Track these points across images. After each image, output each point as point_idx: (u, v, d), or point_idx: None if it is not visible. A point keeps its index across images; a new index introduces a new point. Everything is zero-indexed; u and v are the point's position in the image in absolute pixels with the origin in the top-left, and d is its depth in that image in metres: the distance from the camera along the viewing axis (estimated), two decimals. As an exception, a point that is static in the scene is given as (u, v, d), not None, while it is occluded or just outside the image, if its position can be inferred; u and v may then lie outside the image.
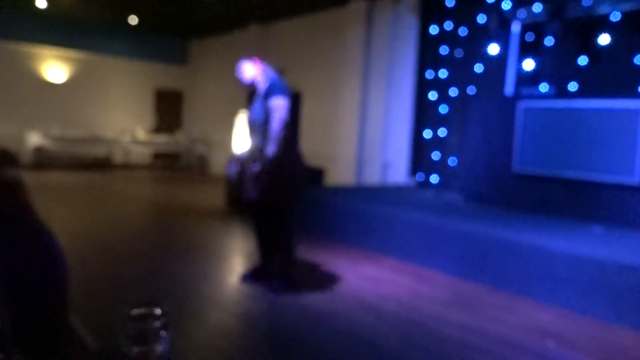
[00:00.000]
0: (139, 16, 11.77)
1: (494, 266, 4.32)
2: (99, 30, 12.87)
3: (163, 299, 3.14)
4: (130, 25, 12.53)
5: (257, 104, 3.84)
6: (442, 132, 7.64)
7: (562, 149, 5.34)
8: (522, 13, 6.32)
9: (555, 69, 6.26)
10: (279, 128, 3.64)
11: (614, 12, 5.68)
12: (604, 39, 5.80)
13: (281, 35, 11.24)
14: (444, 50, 7.61)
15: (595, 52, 5.92)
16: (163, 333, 0.69)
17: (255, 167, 3.71)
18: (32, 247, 0.89)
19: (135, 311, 0.69)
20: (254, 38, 11.65)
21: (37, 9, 10.83)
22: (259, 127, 3.78)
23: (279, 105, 3.67)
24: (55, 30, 12.30)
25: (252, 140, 3.89)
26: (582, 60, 6.01)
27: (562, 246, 3.95)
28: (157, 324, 0.69)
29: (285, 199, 3.87)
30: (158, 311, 0.71)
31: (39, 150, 11.35)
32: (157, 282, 4.09)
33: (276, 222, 3.91)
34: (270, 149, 3.65)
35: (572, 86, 6.04)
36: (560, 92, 5.84)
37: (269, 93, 3.73)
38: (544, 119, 5.51)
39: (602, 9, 5.71)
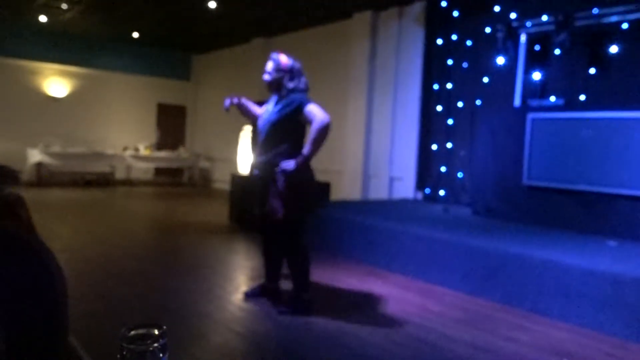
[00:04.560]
0: (141, 31, 11.81)
1: (504, 282, 4.20)
2: (101, 46, 12.90)
3: (165, 318, 3.04)
4: (132, 40, 12.57)
5: (274, 108, 3.72)
6: (449, 145, 7.57)
7: (573, 161, 5.25)
8: (529, 24, 6.28)
9: (564, 79, 6.19)
10: (325, 132, 3.55)
11: (623, 21, 5.61)
12: (613, 49, 5.73)
13: (285, 49, 11.16)
14: (450, 61, 7.57)
15: (604, 62, 5.84)
16: (161, 355, 0.64)
17: (280, 183, 3.56)
18: (30, 266, 0.87)
19: (133, 332, 0.65)
20: (258, 52, 11.66)
21: (39, 24, 10.90)
22: (271, 136, 3.69)
23: (319, 110, 3.58)
24: (57, 46, 12.32)
25: (261, 152, 3.78)
26: (592, 71, 5.93)
27: (575, 261, 3.85)
28: (156, 345, 0.64)
29: (303, 215, 3.77)
30: (156, 332, 0.66)
31: (40, 167, 11.30)
32: (159, 300, 3.99)
33: (293, 242, 3.76)
34: (307, 150, 3.56)
35: (582, 97, 5.95)
36: (570, 103, 5.76)
37: (299, 100, 3.62)
38: (553, 130, 5.44)
39: (611, 18, 5.64)
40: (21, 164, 11.01)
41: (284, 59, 3.74)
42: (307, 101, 3.62)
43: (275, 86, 3.74)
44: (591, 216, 5.16)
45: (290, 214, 3.60)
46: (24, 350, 0.81)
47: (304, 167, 3.60)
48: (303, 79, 3.77)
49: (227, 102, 3.90)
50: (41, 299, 0.86)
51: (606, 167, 5.01)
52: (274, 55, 3.76)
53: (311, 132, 3.56)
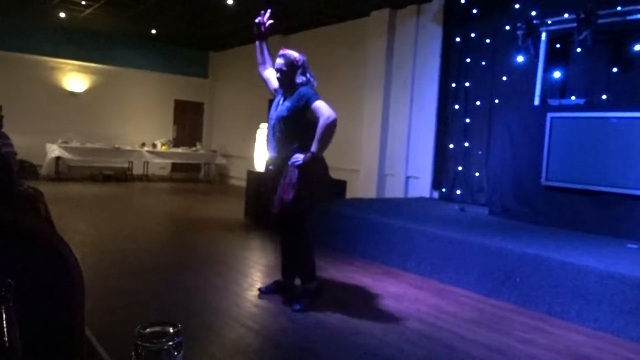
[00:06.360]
0: (159, 28, 11.87)
1: (521, 284, 4.15)
2: (119, 43, 12.98)
3: (180, 313, 3.05)
4: (150, 37, 12.64)
5: (283, 105, 3.72)
6: (466, 144, 7.50)
7: (593, 162, 5.17)
8: (550, 21, 6.17)
9: (585, 78, 6.08)
10: (331, 129, 3.56)
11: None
12: (637, 47, 5.60)
13: (302, 46, 11.15)
14: (468, 60, 7.49)
15: (627, 60, 5.72)
16: (176, 353, 0.64)
17: (293, 175, 3.56)
18: (48, 260, 0.88)
19: (149, 330, 0.65)
20: (275, 49, 11.66)
21: (59, 21, 11.01)
22: (282, 133, 3.69)
23: (325, 106, 3.57)
24: (76, 42, 12.43)
25: (273, 149, 3.79)
26: (614, 70, 5.81)
27: (594, 263, 3.78)
28: (171, 343, 0.64)
29: (309, 205, 3.79)
30: (171, 330, 0.66)
31: (59, 162, 11.44)
32: (174, 296, 4.01)
33: (296, 231, 3.81)
34: (314, 147, 3.56)
35: (603, 96, 5.84)
36: (591, 102, 5.66)
37: (308, 95, 3.62)
38: (573, 130, 5.36)
39: (636, 16, 5.51)
40: (40, 158, 11.15)
41: (295, 53, 3.75)
42: (315, 97, 3.62)
43: (288, 82, 3.73)
44: (611, 218, 5.07)
45: (299, 201, 3.60)
46: (42, 342, 0.82)
47: (315, 162, 3.60)
48: (312, 73, 3.79)
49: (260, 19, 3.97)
50: (58, 292, 0.86)
51: (627, 168, 4.92)
52: (283, 52, 3.76)
53: (318, 130, 3.56)
